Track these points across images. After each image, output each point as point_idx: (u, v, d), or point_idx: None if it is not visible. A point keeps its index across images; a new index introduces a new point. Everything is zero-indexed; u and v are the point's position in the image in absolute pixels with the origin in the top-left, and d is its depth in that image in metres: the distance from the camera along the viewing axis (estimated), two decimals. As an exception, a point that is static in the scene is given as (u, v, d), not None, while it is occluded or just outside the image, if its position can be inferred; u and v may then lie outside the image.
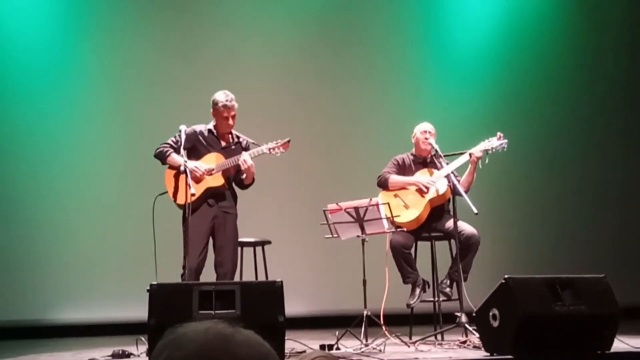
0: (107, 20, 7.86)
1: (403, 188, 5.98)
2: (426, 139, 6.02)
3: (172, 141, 5.63)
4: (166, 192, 5.60)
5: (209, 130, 5.71)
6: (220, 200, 5.63)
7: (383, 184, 6.04)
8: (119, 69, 7.81)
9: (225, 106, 5.59)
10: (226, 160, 5.59)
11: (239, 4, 8.24)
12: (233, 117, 5.62)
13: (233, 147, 5.72)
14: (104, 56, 7.79)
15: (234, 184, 5.76)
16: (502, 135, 5.94)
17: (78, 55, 7.74)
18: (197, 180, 5.50)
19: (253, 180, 5.66)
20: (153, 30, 7.96)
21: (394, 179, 6.02)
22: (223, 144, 5.72)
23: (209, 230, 5.59)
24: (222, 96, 5.62)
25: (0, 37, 7.64)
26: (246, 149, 5.69)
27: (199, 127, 5.72)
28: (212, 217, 5.59)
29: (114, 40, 7.84)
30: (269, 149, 5.57)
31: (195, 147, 5.65)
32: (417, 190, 5.96)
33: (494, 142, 5.90)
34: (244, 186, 5.73)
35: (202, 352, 1.06)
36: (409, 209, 5.90)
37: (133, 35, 7.91)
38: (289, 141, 5.61)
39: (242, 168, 5.52)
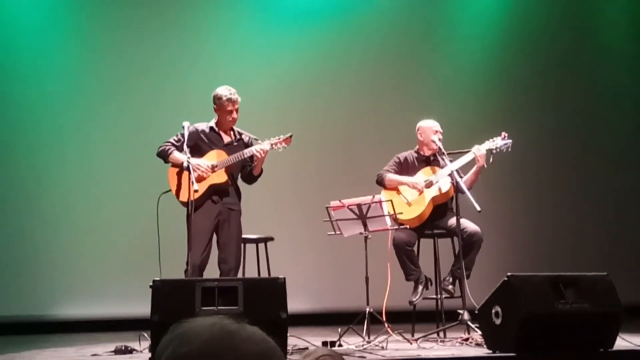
0: (110, 19, 7.86)
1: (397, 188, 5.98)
2: (440, 139, 5.98)
3: (174, 139, 5.63)
4: (170, 190, 5.60)
5: (211, 128, 5.71)
6: (224, 196, 5.63)
7: (380, 182, 6.05)
8: (123, 67, 7.81)
9: (229, 100, 5.58)
10: (229, 157, 5.59)
11: (244, 1, 8.24)
12: (237, 110, 5.61)
13: (235, 143, 5.71)
14: (108, 54, 7.79)
15: (240, 179, 5.76)
16: (506, 135, 5.93)
17: (81, 53, 7.74)
18: (201, 178, 5.50)
19: (261, 171, 5.66)
20: (156, 28, 7.95)
21: (391, 177, 6.02)
22: (225, 140, 5.72)
23: (213, 227, 5.59)
24: (224, 91, 5.61)
25: (2, 35, 7.65)
26: (248, 145, 5.69)
27: (201, 126, 5.71)
28: (216, 213, 5.59)
29: (117, 38, 7.84)
30: (272, 145, 5.56)
31: (198, 145, 5.63)
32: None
33: (498, 142, 5.89)
34: (252, 178, 5.71)
35: (207, 347, 1.06)
36: (412, 207, 5.90)
37: (136, 33, 7.90)
38: (291, 136, 5.61)
39: (259, 157, 5.49)
